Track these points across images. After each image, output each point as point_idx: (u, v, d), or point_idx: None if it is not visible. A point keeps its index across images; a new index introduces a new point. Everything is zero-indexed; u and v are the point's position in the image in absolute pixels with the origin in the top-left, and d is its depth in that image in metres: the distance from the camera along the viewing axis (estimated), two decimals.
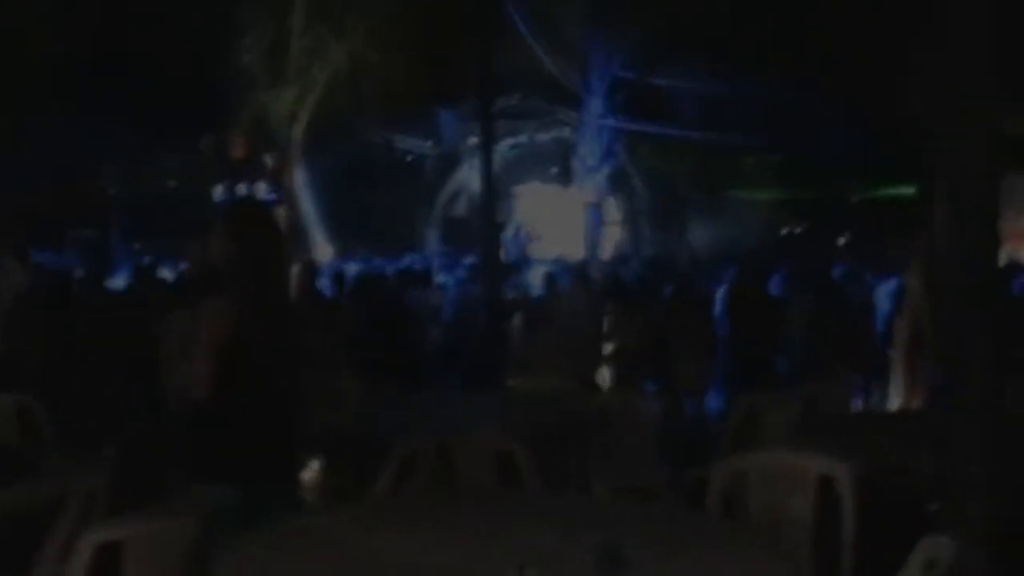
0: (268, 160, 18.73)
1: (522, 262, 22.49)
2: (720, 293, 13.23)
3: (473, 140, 24.67)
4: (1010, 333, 4.94)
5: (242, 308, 4.62)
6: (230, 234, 4.76)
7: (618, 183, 28.10)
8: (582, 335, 8.84)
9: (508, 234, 27.08)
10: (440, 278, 16.45)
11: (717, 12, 20.07)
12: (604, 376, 10.74)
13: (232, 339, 4.55)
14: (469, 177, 26.90)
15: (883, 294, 13.29)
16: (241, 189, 19.33)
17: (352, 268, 20.35)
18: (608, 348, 10.82)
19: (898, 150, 17.60)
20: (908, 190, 19.23)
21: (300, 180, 17.47)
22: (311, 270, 11.58)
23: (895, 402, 8.89)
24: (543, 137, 30.00)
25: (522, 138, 29.92)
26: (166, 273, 17.09)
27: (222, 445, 4.59)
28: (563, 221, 29.12)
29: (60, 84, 18.18)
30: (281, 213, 15.31)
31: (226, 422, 4.57)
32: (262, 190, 19.11)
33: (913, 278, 9.01)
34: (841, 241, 26.49)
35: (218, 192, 19.93)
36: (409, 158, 31.37)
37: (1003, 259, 13.41)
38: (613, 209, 28.65)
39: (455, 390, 11.69)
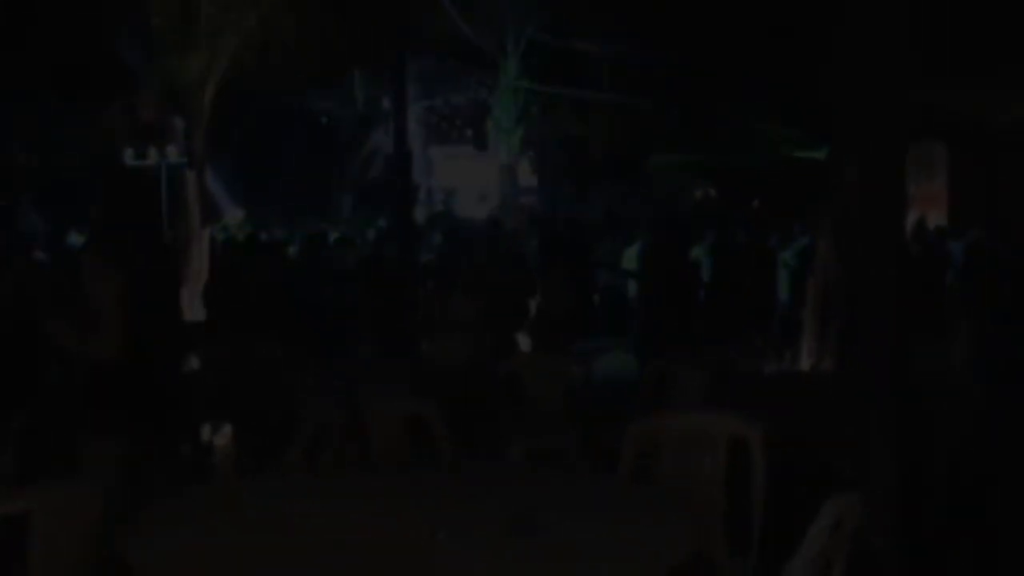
0: (179, 123, 18.40)
1: (436, 224, 22.43)
2: (630, 253, 13.31)
3: (388, 103, 24.49)
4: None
5: (121, 269, 4.81)
6: (104, 199, 5.11)
7: (533, 146, 28.09)
8: (494, 298, 8.79)
9: (422, 196, 27.00)
10: (354, 241, 16.35)
11: None
12: (524, 339, 10.69)
13: (118, 299, 4.73)
14: (383, 140, 26.73)
15: (788, 256, 13.54)
16: (152, 153, 18.95)
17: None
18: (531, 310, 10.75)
19: (811, 113, 17.77)
20: (819, 154, 19.42)
21: (210, 144, 17.21)
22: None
23: (805, 364, 8.98)
24: (458, 99, 29.89)
25: (437, 100, 29.79)
26: (76, 240, 16.84)
27: (111, 398, 4.79)
28: (478, 184, 29.09)
29: None
30: (191, 177, 15.11)
31: (114, 377, 4.79)
32: (173, 154, 18.76)
33: (823, 240, 9.10)
34: (755, 204, 26.71)
35: (128, 156, 19.53)
36: (324, 121, 31.05)
37: (911, 222, 13.69)
38: (527, 171, 28.64)
39: (368, 355, 11.62)
